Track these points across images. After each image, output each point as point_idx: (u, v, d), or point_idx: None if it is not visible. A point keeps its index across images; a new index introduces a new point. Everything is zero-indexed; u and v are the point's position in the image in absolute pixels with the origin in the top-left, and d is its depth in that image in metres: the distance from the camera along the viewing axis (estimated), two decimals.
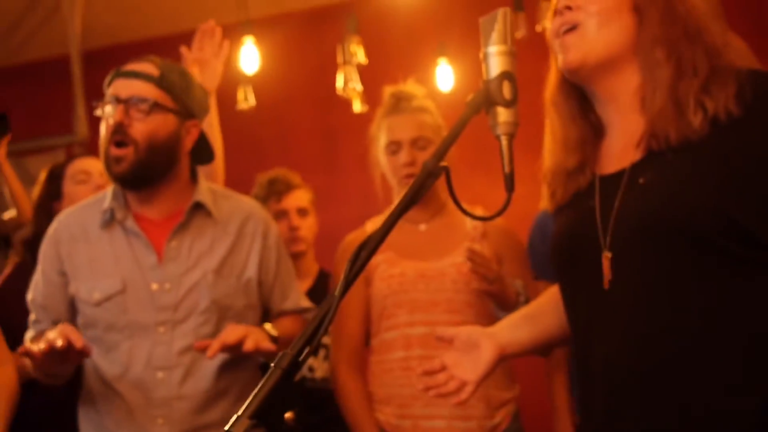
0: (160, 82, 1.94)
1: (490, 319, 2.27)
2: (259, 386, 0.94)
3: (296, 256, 2.84)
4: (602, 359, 1.41)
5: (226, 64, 2.53)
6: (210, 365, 1.93)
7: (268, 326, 1.99)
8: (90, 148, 4.09)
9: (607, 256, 1.41)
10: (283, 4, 4.50)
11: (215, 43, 2.39)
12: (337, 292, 1.00)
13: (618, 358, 1.38)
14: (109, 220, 1.98)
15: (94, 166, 2.76)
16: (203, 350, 1.83)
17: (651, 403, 1.35)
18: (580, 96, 1.57)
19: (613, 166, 1.51)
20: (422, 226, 2.36)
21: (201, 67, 2.34)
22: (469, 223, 2.38)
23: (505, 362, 2.28)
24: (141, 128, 1.90)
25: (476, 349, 1.55)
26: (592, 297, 1.44)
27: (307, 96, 4.58)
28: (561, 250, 1.54)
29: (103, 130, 1.94)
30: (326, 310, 1.00)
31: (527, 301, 2.17)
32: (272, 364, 0.96)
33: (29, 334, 2.01)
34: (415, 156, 2.31)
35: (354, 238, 2.44)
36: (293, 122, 4.59)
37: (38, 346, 1.71)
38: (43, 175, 2.85)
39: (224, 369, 1.96)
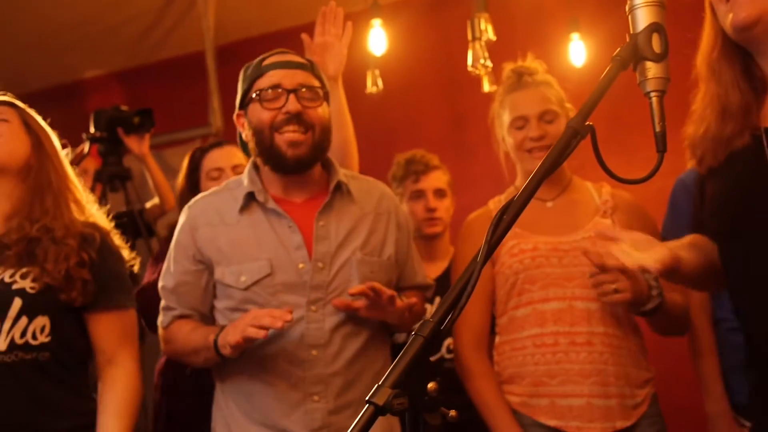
0: (315, 71, 1.99)
1: None
2: (400, 355, 0.90)
3: (433, 238, 2.80)
4: None
5: (355, 50, 2.50)
6: (358, 342, 1.95)
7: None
8: (224, 139, 4.18)
9: None
10: None
11: (338, 25, 2.35)
12: (479, 258, 0.95)
13: None
14: (248, 204, 1.98)
15: (226, 160, 2.82)
16: (344, 307, 1.88)
17: None
18: (743, 59, 1.54)
19: None
20: (549, 204, 2.28)
21: (325, 51, 2.29)
22: (597, 197, 2.29)
23: (641, 341, 2.20)
24: (315, 115, 1.94)
25: (648, 248, 1.50)
26: None
27: (435, 79, 4.54)
28: (736, 212, 1.48)
29: (265, 119, 1.94)
30: (468, 277, 0.95)
31: (660, 294, 2.06)
32: (413, 332, 0.92)
33: (162, 320, 2.04)
34: (544, 129, 2.24)
35: (477, 216, 2.38)
36: (421, 106, 4.56)
37: (250, 332, 1.74)
38: (184, 164, 2.93)
39: (368, 347, 1.97)
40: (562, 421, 2.11)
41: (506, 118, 2.30)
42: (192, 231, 1.99)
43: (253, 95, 1.96)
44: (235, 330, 1.79)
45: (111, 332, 1.93)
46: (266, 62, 1.99)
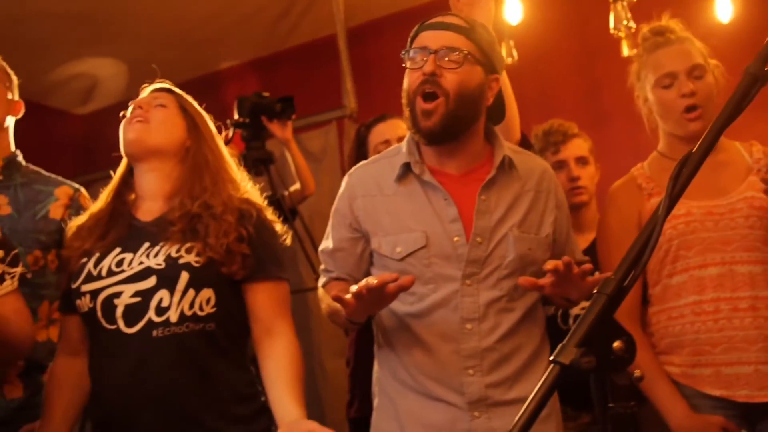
0: (470, 34, 1.92)
1: None
2: (584, 314, 0.89)
3: (578, 207, 2.73)
4: None
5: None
6: (512, 318, 1.93)
7: None
8: (359, 120, 4.23)
9: None
10: None
11: None
12: (660, 212, 0.92)
13: None
14: (405, 174, 1.98)
15: (391, 132, 2.84)
16: (530, 286, 1.80)
17: None
18: None
19: None
20: None
21: (472, 5, 2.18)
22: (748, 156, 2.19)
23: None
24: (452, 78, 1.88)
25: None
26: None
27: (569, 47, 4.43)
28: None
29: (410, 82, 1.93)
30: (650, 232, 0.92)
31: None
32: (595, 291, 0.90)
33: (321, 281, 2.09)
34: (694, 85, 2.15)
35: (621, 185, 2.31)
36: (555, 74, 4.46)
37: (353, 291, 1.72)
38: (351, 139, 2.97)
39: (523, 322, 1.94)
40: (728, 390, 2.03)
41: (651, 78, 2.22)
42: (350, 200, 2.02)
43: (404, 56, 1.95)
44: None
45: (267, 302, 1.98)
46: (425, 23, 1.97)
